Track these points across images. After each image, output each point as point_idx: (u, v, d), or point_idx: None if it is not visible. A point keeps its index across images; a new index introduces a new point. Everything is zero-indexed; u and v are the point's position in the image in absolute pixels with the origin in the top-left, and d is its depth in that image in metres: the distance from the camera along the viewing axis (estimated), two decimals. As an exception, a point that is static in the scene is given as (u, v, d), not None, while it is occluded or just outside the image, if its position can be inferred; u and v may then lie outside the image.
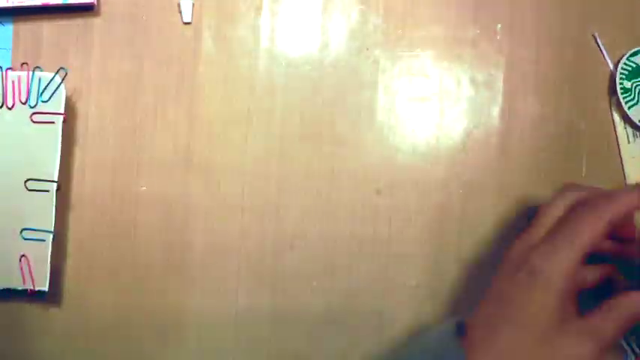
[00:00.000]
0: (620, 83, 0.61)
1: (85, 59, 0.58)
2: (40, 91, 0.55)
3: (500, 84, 0.61)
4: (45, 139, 0.55)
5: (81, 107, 0.58)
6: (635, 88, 0.61)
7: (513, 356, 0.43)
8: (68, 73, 0.57)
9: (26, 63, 0.57)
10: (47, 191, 0.55)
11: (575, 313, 0.45)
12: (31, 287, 0.55)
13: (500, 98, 0.61)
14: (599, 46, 0.62)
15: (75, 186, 0.58)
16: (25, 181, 0.55)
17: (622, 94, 0.61)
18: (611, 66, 0.62)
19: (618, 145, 0.62)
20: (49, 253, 0.55)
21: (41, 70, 0.56)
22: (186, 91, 0.59)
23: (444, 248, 0.61)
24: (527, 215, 0.61)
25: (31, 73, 0.55)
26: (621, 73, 0.61)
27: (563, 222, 0.46)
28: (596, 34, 0.61)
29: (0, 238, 0.56)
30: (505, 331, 0.44)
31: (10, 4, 0.55)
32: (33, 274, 0.55)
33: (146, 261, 0.59)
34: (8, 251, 0.55)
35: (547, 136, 0.61)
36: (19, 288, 0.55)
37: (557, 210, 0.48)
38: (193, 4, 0.59)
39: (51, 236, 0.55)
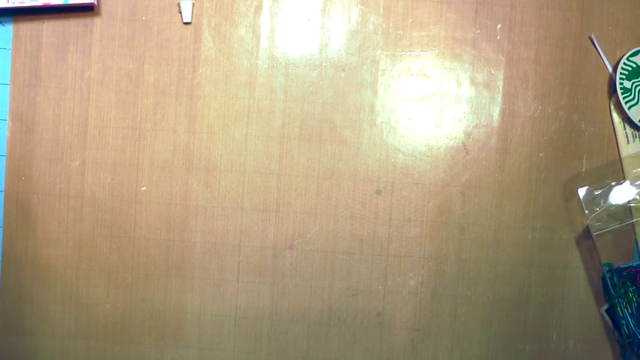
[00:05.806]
0: (620, 83, 0.61)
1: (85, 59, 0.58)
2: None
3: (500, 84, 0.61)
4: None
5: (81, 107, 0.58)
6: (635, 88, 0.61)
7: None
8: (68, 73, 0.57)
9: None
10: None
11: None
12: None
13: (500, 98, 0.61)
14: (596, 48, 0.62)
15: (75, 186, 0.58)
16: None
17: (622, 94, 0.61)
18: (610, 68, 0.62)
19: (618, 145, 0.62)
20: None
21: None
22: (186, 91, 0.59)
23: (444, 248, 0.61)
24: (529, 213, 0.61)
25: None
26: (621, 73, 0.61)
27: None
28: (593, 37, 0.62)
29: None
30: None
31: (10, 4, 0.55)
32: None
33: (146, 261, 0.59)
34: None
35: (547, 136, 0.61)
36: None
37: None
38: (193, 4, 0.59)
39: None
